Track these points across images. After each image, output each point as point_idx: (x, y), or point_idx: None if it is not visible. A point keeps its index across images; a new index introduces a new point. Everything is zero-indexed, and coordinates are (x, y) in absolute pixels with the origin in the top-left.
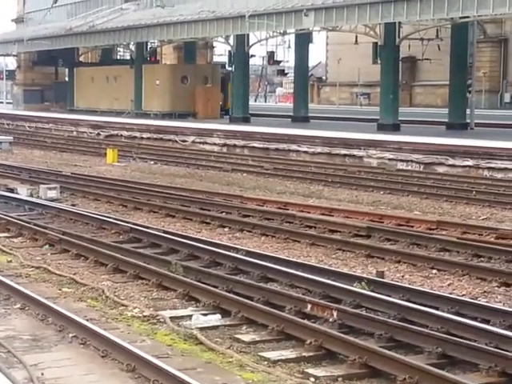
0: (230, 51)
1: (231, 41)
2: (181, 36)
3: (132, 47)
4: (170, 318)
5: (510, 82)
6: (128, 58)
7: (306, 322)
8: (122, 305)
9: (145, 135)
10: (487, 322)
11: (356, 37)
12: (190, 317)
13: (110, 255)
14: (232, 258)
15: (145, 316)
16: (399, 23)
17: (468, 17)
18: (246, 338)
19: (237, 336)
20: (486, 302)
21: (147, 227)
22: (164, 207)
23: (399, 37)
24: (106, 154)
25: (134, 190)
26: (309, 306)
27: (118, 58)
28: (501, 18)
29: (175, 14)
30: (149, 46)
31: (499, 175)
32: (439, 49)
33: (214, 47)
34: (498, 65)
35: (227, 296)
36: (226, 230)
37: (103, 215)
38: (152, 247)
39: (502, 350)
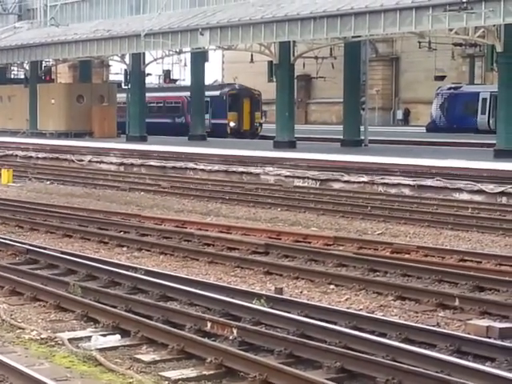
0: (126, 70)
1: (127, 59)
2: (76, 55)
3: (26, 66)
4: (69, 339)
5: (401, 100)
6: (22, 76)
7: (206, 340)
8: (19, 328)
9: (40, 155)
10: (384, 335)
11: (251, 55)
12: (89, 338)
13: (6, 277)
14: (131, 277)
15: (42, 338)
16: (294, 42)
17: (360, 36)
18: (146, 357)
19: (137, 356)
20: (383, 315)
21: (44, 248)
22: (61, 227)
23: (294, 55)
24: (0, 174)
25: (30, 211)
26: (209, 324)
27: (12, 77)
28: (392, 37)
29: (70, 32)
30: (43, 65)
31: (393, 190)
32: (333, 67)
33: (109, 66)
34: (390, 83)
35: (126, 316)
36: (125, 249)
37: None
38: (49, 268)
39: (399, 362)
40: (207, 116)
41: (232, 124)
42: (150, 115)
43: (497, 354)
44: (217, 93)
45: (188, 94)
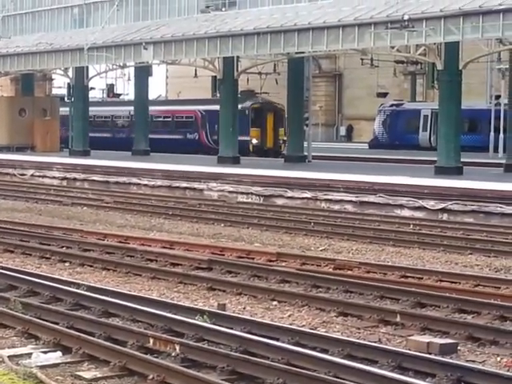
0: (69, 83)
1: (70, 73)
2: (18, 68)
3: None
4: (9, 356)
5: (344, 116)
6: None
7: (148, 356)
8: None
9: None
10: (326, 351)
11: (195, 70)
12: (29, 355)
13: None
14: (73, 293)
15: None
16: (237, 57)
17: (303, 52)
18: (88, 374)
19: (78, 373)
20: (325, 331)
21: None
22: (2, 242)
23: (237, 71)
24: None
25: None
26: (151, 340)
27: None
28: (335, 53)
29: (12, 45)
30: None
31: (336, 207)
32: (277, 83)
33: (52, 79)
34: (334, 99)
35: (68, 332)
36: (67, 264)
37: None
38: None
39: (340, 378)
40: None
41: (254, 141)
42: (155, 131)
43: (437, 369)
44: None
45: (201, 107)
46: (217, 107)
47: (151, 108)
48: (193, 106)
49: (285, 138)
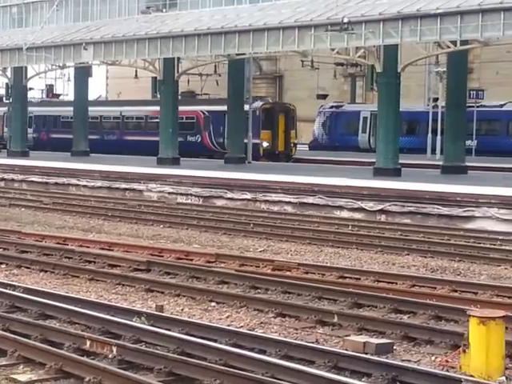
0: (7, 84)
1: (9, 73)
2: None
3: None
4: None
5: None
6: None
7: (84, 359)
8: None
9: None
10: (264, 352)
11: (136, 71)
12: None
13: None
14: (9, 295)
15: None
16: (178, 58)
17: (244, 54)
18: (23, 377)
19: (13, 376)
20: (263, 332)
21: None
22: None
23: (178, 72)
24: None
25: None
26: (88, 342)
27: None
28: (275, 55)
29: None
30: None
31: (275, 208)
32: (217, 84)
33: None
34: (274, 100)
35: (3, 335)
36: (3, 266)
37: None
38: None
39: (278, 379)
40: None
41: (265, 144)
42: (150, 133)
43: (373, 369)
44: (247, 107)
45: (204, 108)
46: (222, 107)
47: (145, 108)
48: (194, 107)
49: (295, 141)
